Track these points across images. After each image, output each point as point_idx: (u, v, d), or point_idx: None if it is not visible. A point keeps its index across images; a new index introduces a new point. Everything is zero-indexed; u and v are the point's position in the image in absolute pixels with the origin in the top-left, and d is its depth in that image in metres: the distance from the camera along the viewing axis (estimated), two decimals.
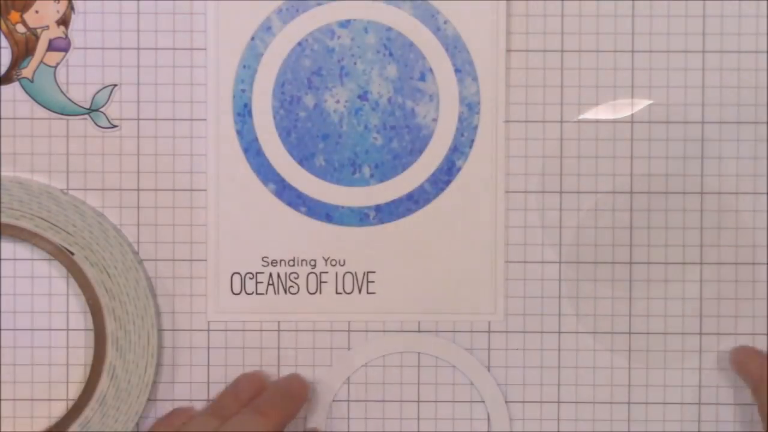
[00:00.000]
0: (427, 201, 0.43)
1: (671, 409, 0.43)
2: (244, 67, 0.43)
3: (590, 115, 0.43)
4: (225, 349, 0.43)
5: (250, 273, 0.43)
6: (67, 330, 0.43)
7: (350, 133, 0.43)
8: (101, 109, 0.43)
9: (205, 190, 0.43)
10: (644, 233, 0.43)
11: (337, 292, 0.43)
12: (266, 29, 0.42)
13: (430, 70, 0.43)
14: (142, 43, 0.43)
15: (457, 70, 0.43)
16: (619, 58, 0.43)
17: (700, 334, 0.43)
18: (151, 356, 0.42)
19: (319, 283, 0.43)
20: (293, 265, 0.43)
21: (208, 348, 0.43)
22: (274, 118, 0.43)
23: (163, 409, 0.43)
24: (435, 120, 0.43)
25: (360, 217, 0.43)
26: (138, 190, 0.43)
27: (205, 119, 0.43)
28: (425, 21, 0.42)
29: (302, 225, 0.43)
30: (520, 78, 0.43)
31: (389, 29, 0.42)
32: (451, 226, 0.43)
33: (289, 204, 0.43)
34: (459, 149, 0.43)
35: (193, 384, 0.43)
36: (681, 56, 0.43)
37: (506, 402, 0.43)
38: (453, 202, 0.43)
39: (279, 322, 0.43)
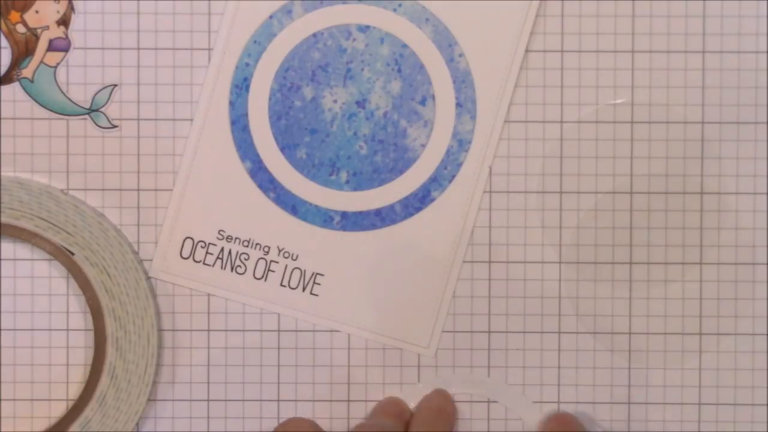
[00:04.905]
0: (393, 222, 0.43)
1: (671, 409, 0.43)
2: (255, 42, 0.42)
3: (590, 115, 0.43)
4: (225, 350, 0.43)
5: (203, 242, 0.43)
6: (67, 330, 0.43)
7: (338, 135, 0.43)
8: (101, 109, 0.43)
9: (186, 137, 0.43)
10: (644, 233, 0.43)
11: (281, 284, 0.43)
12: (287, 12, 0.42)
13: (433, 97, 0.43)
14: (142, 43, 0.43)
15: (458, 105, 0.43)
16: (619, 58, 0.43)
17: (700, 334, 0.43)
18: (151, 356, 0.42)
19: (267, 270, 0.43)
20: (247, 246, 0.43)
21: (208, 348, 0.43)
22: (270, 99, 0.43)
23: (163, 409, 0.43)
24: (423, 146, 0.43)
25: (324, 218, 0.43)
26: (138, 190, 0.43)
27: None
28: (441, 48, 0.42)
29: (266, 210, 0.43)
30: (520, 78, 0.43)
31: (405, 46, 0.42)
32: (409, 252, 0.43)
33: (260, 186, 0.43)
34: (438, 181, 0.43)
35: (193, 384, 0.43)
36: (681, 56, 0.43)
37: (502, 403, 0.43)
38: (417, 230, 0.43)
39: (209, 295, 0.43)
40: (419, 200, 0.43)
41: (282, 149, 0.43)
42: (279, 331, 0.43)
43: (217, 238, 0.43)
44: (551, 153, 0.43)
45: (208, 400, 0.43)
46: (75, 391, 0.43)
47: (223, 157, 0.43)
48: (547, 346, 0.43)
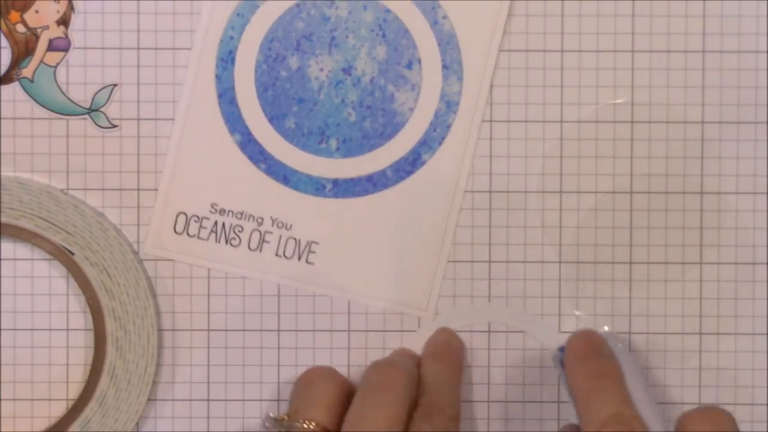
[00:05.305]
0: (385, 186, 0.43)
1: (671, 409, 0.43)
2: (238, 14, 0.42)
3: (590, 115, 0.43)
4: (225, 349, 0.43)
5: (196, 216, 0.43)
6: (67, 330, 0.43)
7: (326, 103, 0.43)
8: (101, 109, 0.43)
9: (173, 119, 0.43)
10: (644, 233, 0.43)
11: (276, 254, 0.43)
12: None
13: (419, 60, 0.43)
14: (142, 43, 0.43)
15: (444, 66, 0.43)
16: (619, 58, 0.43)
17: (700, 334, 0.43)
18: (151, 356, 0.42)
19: (262, 241, 0.43)
20: (240, 218, 0.43)
21: (208, 348, 0.43)
22: (256, 71, 0.43)
23: (163, 409, 0.43)
24: (411, 110, 0.43)
25: (316, 186, 0.43)
26: (138, 190, 0.43)
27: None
28: (425, 11, 0.42)
29: (258, 181, 0.43)
30: (520, 78, 0.43)
31: (388, 11, 0.42)
32: (402, 216, 0.43)
33: (250, 158, 0.43)
34: (428, 143, 0.43)
35: (193, 384, 0.43)
36: (681, 56, 0.43)
37: (506, 402, 0.43)
38: (410, 194, 0.43)
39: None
40: (410, 164, 0.43)
41: (270, 120, 0.43)
42: (279, 331, 0.43)
43: (210, 211, 0.43)
44: (551, 153, 0.43)
45: (208, 400, 0.43)
46: (75, 391, 0.43)
47: (212, 131, 0.43)
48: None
